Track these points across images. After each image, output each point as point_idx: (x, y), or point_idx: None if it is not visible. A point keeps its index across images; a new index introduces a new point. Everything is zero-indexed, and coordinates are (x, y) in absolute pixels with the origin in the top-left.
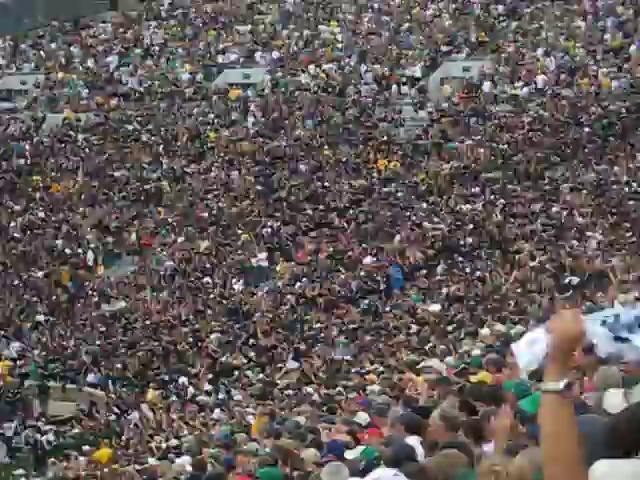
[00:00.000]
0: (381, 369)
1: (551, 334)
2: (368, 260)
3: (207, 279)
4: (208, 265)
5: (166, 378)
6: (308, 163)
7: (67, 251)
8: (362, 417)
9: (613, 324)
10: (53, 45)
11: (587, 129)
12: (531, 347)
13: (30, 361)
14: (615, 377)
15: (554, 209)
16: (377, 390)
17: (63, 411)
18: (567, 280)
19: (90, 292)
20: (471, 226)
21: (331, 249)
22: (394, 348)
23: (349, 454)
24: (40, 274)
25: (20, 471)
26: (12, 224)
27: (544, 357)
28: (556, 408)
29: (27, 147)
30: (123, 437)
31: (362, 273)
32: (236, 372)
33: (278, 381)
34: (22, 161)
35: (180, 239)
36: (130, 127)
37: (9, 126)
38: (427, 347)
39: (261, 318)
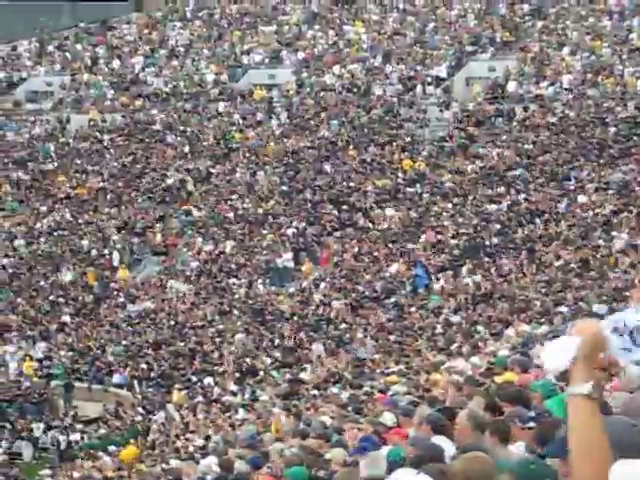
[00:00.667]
0: (405, 369)
1: (577, 338)
2: (394, 267)
3: (232, 279)
4: (233, 266)
5: (192, 378)
6: (333, 163)
7: (93, 252)
8: (388, 417)
9: (623, 329)
10: (79, 46)
11: (613, 129)
12: (561, 350)
13: (56, 362)
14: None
15: (579, 209)
16: (402, 391)
17: (89, 411)
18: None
19: (116, 292)
20: (497, 226)
21: (356, 249)
22: (419, 348)
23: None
24: (67, 276)
25: (47, 471)
26: (38, 225)
27: (571, 361)
28: (584, 411)
29: (53, 148)
30: (149, 438)
31: (387, 273)
32: (261, 372)
33: (304, 375)
34: (48, 162)
35: (206, 240)
36: (155, 128)
37: (35, 127)
38: (452, 347)
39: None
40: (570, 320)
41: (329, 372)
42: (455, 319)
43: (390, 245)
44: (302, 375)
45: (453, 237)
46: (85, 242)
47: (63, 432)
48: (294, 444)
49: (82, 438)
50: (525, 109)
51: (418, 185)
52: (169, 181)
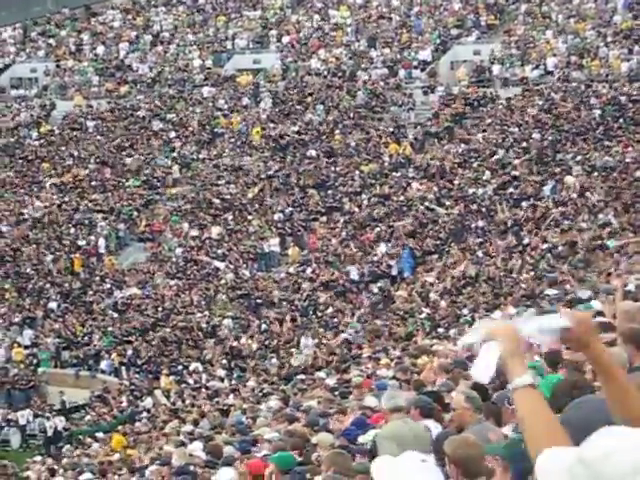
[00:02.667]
0: (394, 354)
1: (493, 343)
2: (383, 248)
3: (219, 265)
4: (220, 251)
5: (179, 364)
6: (319, 148)
7: (79, 238)
8: (371, 401)
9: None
10: (63, 33)
11: (598, 111)
12: (485, 360)
13: (43, 349)
14: (621, 357)
15: (564, 191)
16: (388, 375)
17: (77, 398)
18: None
19: (102, 279)
20: (482, 210)
21: (343, 234)
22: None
23: (361, 438)
24: (51, 262)
25: (36, 458)
26: (24, 212)
27: (497, 365)
28: (531, 400)
29: (37, 135)
30: (136, 423)
31: (374, 258)
32: (249, 358)
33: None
34: (33, 149)
35: (191, 225)
36: (140, 114)
37: (20, 114)
38: (439, 331)
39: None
40: (557, 302)
41: (316, 358)
42: (442, 303)
43: (376, 229)
44: (291, 361)
45: (437, 221)
46: (72, 230)
47: (50, 419)
48: (281, 429)
49: (70, 425)
50: (509, 92)
51: (404, 169)
52: (155, 167)
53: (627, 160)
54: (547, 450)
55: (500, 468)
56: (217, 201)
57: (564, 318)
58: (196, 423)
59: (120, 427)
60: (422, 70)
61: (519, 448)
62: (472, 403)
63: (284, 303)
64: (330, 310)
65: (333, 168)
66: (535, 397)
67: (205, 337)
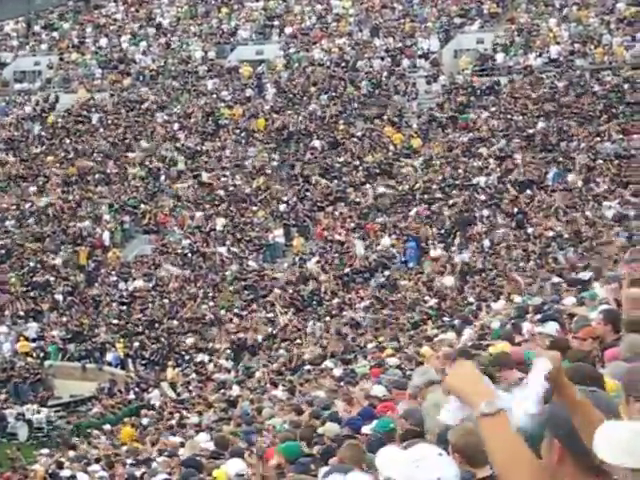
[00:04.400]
0: (398, 343)
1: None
2: (387, 241)
3: (224, 256)
4: (225, 242)
5: (185, 356)
6: (323, 138)
7: (84, 231)
8: (378, 390)
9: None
10: (66, 26)
11: (602, 99)
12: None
13: (49, 341)
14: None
15: (570, 178)
16: (394, 364)
17: (83, 391)
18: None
19: (108, 271)
20: (487, 198)
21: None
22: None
23: (365, 428)
24: (57, 259)
25: (44, 450)
26: (28, 205)
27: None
28: (497, 426)
29: (41, 128)
30: (142, 416)
31: (379, 247)
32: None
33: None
34: (37, 142)
35: (197, 216)
36: (144, 106)
37: (23, 107)
38: (444, 320)
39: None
40: (560, 291)
41: (323, 348)
42: (447, 292)
43: (381, 219)
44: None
45: (443, 211)
46: (80, 224)
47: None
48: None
49: (77, 417)
50: (513, 80)
51: (408, 158)
52: (159, 159)
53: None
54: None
55: None
56: (221, 193)
57: (540, 361)
58: (201, 414)
59: (127, 419)
60: (425, 59)
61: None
62: None
63: (289, 292)
64: (336, 300)
65: (337, 158)
66: (501, 424)
67: (211, 328)
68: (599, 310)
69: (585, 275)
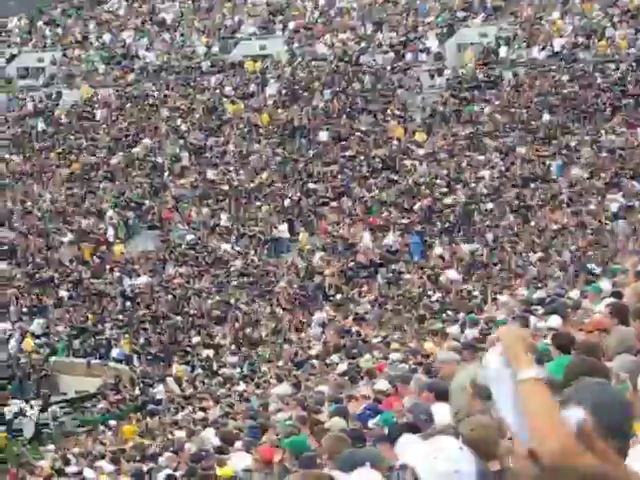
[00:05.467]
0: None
1: (502, 338)
2: (391, 238)
3: (228, 251)
4: (229, 238)
5: (191, 351)
6: (327, 133)
7: (89, 227)
8: (383, 385)
9: None
10: (69, 21)
11: (606, 92)
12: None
13: (54, 338)
14: (631, 339)
15: (574, 172)
16: (399, 358)
17: (88, 387)
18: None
19: (112, 267)
20: (490, 192)
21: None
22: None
23: (371, 422)
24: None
25: (49, 447)
26: (31, 202)
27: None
28: (535, 394)
29: (45, 124)
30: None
31: (383, 242)
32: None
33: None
34: (40, 139)
35: (201, 212)
36: (148, 101)
37: (27, 104)
38: (449, 314)
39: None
40: (566, 284)
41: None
42: (451, 286)
43: (385, 213)
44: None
45: (448, 205)
46: (84, 221)
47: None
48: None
49: (82, 413)
50: (516, 74)
51: (412, 153)
52: (163, 155)
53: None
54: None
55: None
56: (226, 188)
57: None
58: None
59: (132, 414)
60: (428, 53)
61: None
62: (473, 388)
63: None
64: (340, 296)
65: (342, 153)
66: (540, 390)
67: (216, 324)
68: (605, 303)
69: (594, 268)
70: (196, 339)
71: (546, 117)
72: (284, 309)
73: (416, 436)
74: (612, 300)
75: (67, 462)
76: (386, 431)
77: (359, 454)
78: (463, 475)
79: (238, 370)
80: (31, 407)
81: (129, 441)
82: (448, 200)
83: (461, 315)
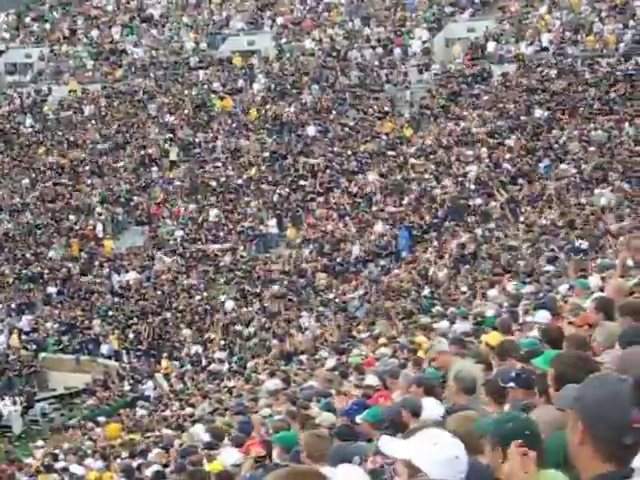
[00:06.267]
0: (392, 332)
1: None
2: (380, 227)
3: (217, 247)
4: (218, 233)
5: (179, 347)
6: (315, 128)
7: (77, 223)
8: (372, 380)
9: None
10: (57, 17)
11: (593, 87)
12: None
13: (42, 334)
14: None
15: (562, 166)
16: (388, 353)
17: (77, 383)
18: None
19: (100, 263)
20: (478, 187)
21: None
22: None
23: (358, 418)
24: (53, 252)
25: (38, 443)
26: (20, 198)
27: None
28: None
29: (33, 120)
30: (137, 407)
31: (372, 237)
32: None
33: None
34: (29, 134)
35: (189, 208)
36: (136, 97)
37: (15, 100)
38: (437, 309)
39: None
40: (556, 279)
41: (318, 338)
42: (441, 281)
43: (373, 208)
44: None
45: (436, 200)
46: (72, 216)
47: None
48: (282, 409)
49: (71, 410)
50: (505, 75)
51: (401, 147)
52: (151, 150)
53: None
54: None
55: (489, 446)
56: (214, 183)
57: None
58: (194, 406)
59: (122, 410)
60: (416, 49)
61: (507, 425)
62: (457, 383)
63: (283, 282)
64: (330, 292)
65: (330, 148)
66: None
67: (205, 319)
68: (592, 298)
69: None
70: (185, 335)
71: (534, 112)
72: (273, 303)
73: (397, 436)
74: (598, 295)
75: (55, 458)
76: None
77: (348, 449)
78: (462, 460)
79: (227, 366)
80: (14, 403)
81: (114, 440)
82: (437, 194)
83: (450, 310)
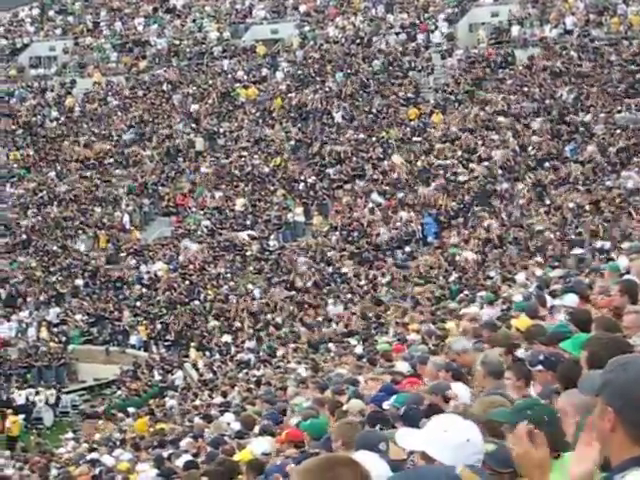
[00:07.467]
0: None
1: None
2: (404, 215)
3: (244, 236)
4: (245, 222)
5: (208, 336)
6: (340, 116)
7: (104, 215)
8: (403, 366)
9: None
10: (80, 10)
11: (618, 69)
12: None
13: (71, 326)
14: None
15: (589, 149)
16: (418, 339)
17: (107, 374)
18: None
19: (128, 254)
20: (505, 172)
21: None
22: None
23: (386, 404)
24: (82, 246)
25: (69, 434)
26: (47, 191)
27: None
28: None
29: (58, 113)
30: (166, 398)
31: (398, 223)
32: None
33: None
34: (55, 127)
35: (216, 197)
36: (161, 88)
37: (41, 93)
38: (465, 294)
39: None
40: (584, 262)
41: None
42: (468, 265)
43: (400, 194)
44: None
45: (463, 184)
46: (98, 208)
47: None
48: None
49: (102, 401)
50: (531, 58)
51: (425, 133)
52: (177, 141)
53: None
54: None
55: (509, 434)
56: (239, 173)
57: None
58: (225, 395)
59: (151, 401)
60: (441, 34)
61: (526, 412)
62: (484, 367)
63: (311, 270)
64: (358, 279)
65: (355, 135)
66: None
67: (233, 308)
68: (616, 281)
69: (605, 245)
70: (213, 324)
71: (560, 95)
72: (300, 292)
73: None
74: (624, 278)
75: (90, 449)
76: (402, 412)
77: (375, 435)
78: (474, 443)
79: (255, 354)
80: (45, 395)
81: (141, 433)
82: (464, 180)
83: (478, 295)
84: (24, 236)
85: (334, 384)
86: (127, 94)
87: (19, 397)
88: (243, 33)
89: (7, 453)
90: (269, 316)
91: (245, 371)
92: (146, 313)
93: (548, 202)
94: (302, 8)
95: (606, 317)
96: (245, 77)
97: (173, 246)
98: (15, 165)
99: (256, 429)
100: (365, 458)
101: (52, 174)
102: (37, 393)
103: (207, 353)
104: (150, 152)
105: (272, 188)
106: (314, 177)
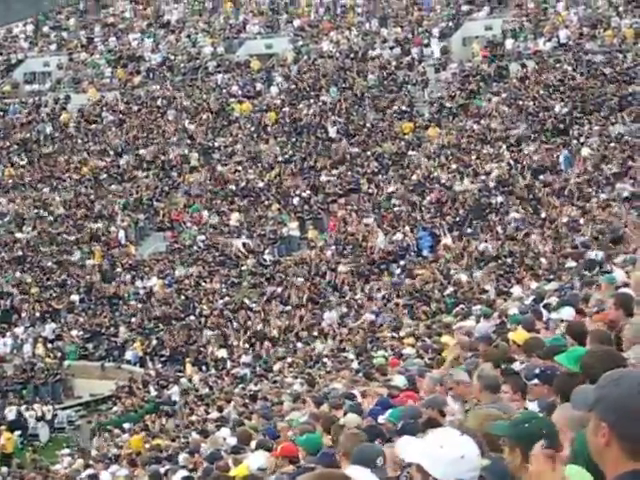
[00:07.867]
0: (417, 332)
1: None
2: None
3: (239, 245)
4: (240, 237)
5: (204, 352)
6: (334, 130)
7: (100, 230)
8: (399, 380)
9: None
10: (74, 26)
11: (613, 82)
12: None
13: (68, 342)
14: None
15: (583, 161)
16: (413, 354)
17: (103, 390)
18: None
19: (123, 269)
20: (499, 185)
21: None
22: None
23: (381, 418)
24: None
25: (65, 451)
26: (42, 207)
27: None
28: None
29: (52, 128)
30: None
31: (394, 237)
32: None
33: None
34: (49, 143)
35: (210, 213)
36: (155, 103)
37: (34, 108)
38: (461, 308)
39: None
40: (578, 275)
41: (342, 340)
42: (464, 279)
43: (395, 209)
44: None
45: (457, 199)
46: (94, 224)
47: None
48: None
49: (98, 416)
50: (523, 66)
51: (420, 147)
52: (171, 156)
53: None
54: None
55: (507, 447)
56: (234, 187)
57: None
58: (221, 409)
59: (147, 416)
60: (434, 48)
61: (523, 426)
62: (481, 381)
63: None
64: (352, 292)
65: (350, 149)
66: None
67: (228, 323)
68: (612, 294)
69: (597, 255)
70: (209, 339)
71: (554, 108)
72: (296, 307)
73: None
74: (619, 292)
75: (85, 466)
76: (399, 426)
77: (372, 450)
78: (469, 459)
79: (251, 369)
80: (41, 411)
81: (136, 451)
82: (458, 194)
83: (474, 309)
84: (19, 252)
85: (331, 398)
86: (122, 109)
87: (9, 413)
88: (237, 48)
89: (4, 470)
90: (265, 330)
91: (241, 386)
92: (141, 328)
93: (543, 215)
94: (296, 23)
95: (601, 330)
96: (239, 92)
97: (168, 261)
98: (10, 181)
99: (252, 444)
100: (357, 474)
101: (47, 190)
102: (27, 409)
103: (203, 368)
104: (144, 168)
105: (267, 203)
106: (309, 191)
